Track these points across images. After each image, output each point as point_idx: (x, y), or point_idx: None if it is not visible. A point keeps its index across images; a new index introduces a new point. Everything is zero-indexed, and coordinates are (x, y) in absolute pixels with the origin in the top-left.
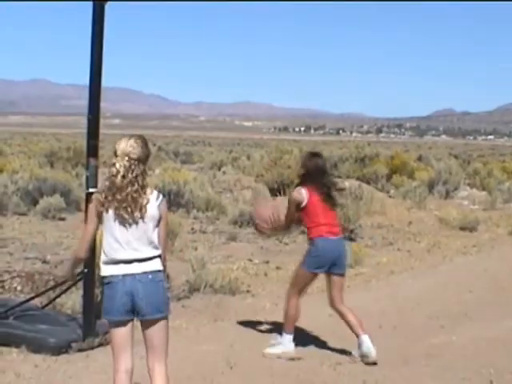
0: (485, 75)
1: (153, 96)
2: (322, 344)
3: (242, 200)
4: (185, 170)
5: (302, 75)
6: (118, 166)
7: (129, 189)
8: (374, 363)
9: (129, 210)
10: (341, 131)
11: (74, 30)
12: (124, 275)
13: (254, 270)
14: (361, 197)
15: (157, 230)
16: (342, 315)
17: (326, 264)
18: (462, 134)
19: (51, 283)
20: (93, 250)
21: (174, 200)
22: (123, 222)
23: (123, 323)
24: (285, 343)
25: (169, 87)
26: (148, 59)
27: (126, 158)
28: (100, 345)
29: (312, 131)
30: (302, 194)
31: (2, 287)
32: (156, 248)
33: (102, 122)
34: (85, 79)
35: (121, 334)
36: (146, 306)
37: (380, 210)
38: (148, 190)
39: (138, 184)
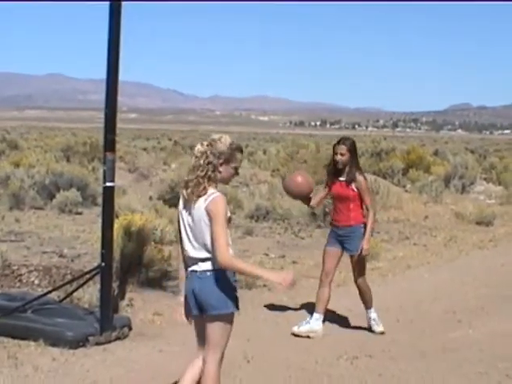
0: (502, 69)
1: (169, 91)
2: (339, 337)
3: (259, 194)
4: None
5: (318, 70)
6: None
7: None
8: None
9: None
10: (357, 126)
11: (92, 24)
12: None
13: (270, 265)
14: (377, 191)
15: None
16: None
17: None
18: (479, 129)
19: (68, 277)
20: (110, 244)
21: None
22: None
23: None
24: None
25: (185, 82)
26: (164, 54)
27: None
28: (117, 338)
29: (328, 125)
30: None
31: (20, 281)
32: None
33: (118, 116)
34: (102, 73)
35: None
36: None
37: (396, 205)
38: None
39: None
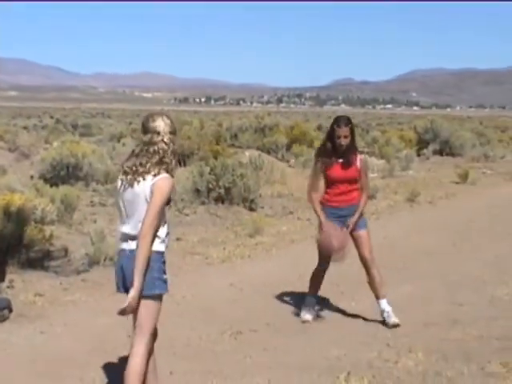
0: (383, 44)
1: (51, 67)
2: (223, 311)
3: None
4: (83, 143)
5: (201, 45)
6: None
7: None
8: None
9: None
10: (241, 101)
11: None
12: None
13: None
14: (261, 167)
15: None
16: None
17: None
18: (361, 103)
19: None
20: None
21: (72, 173)
22: None
23: None
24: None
25: (67, 58)
26: (47, 30)
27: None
28: None
29: (212, 102)
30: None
31: None
32: None
33: None
34: None
35: None
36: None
37: (280, 180)
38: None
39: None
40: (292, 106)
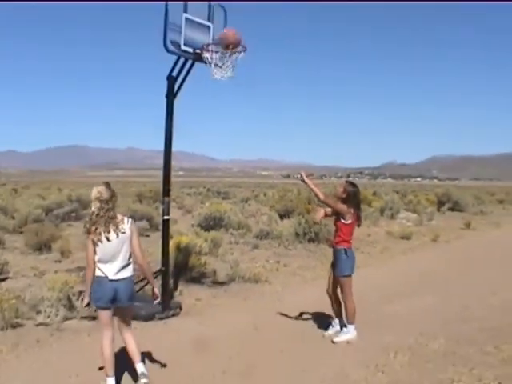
0: (413, 135)
1: (203, 156)
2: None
3: (261, 222)
4: (224, 204)
5: (301, 136)
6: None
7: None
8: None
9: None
10: (323, 177)
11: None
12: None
13: (269, 267)
14: None
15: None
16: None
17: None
18: (401, 178)
19: (141, 277)
20: (167, 255)
21: (217, 223)
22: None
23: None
24: (351, 331)
25: (213, 149)
26: (200, 127)
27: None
28: (173, 315)
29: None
30: (351, 212)
31: None
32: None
33: (172, 173)
34: (161, 146)
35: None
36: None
37: None
38: (118, 217)
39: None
40: (356, 179)
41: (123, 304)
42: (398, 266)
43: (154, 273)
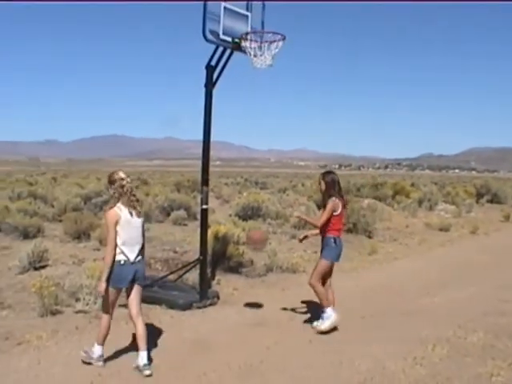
0: (452, 126)
1: (241, 146)
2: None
3: (299, 212)
4: (262, 194)
5: (340, 127)
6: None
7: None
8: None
9: None
10: (361, 168)
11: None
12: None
13: (307, 257)
14: (375, 209)
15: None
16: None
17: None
18: (439, 169)
19: (179, 265)
20: (205, 244)
21: (255, 212)
22: None
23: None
24: (330, 314)
25: (251, 139)
26: (237, 118)
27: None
28: (210, 304)
29: (343, 168)
30: (338, 204)
31: (149, 267)
32: None
33: (210, 163)
34: (200, 135)
35: None
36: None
37: (387, 218)
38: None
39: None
40: (394, 170)
41: (140, 283)
42: (437, 258)
43: (193, 262)
